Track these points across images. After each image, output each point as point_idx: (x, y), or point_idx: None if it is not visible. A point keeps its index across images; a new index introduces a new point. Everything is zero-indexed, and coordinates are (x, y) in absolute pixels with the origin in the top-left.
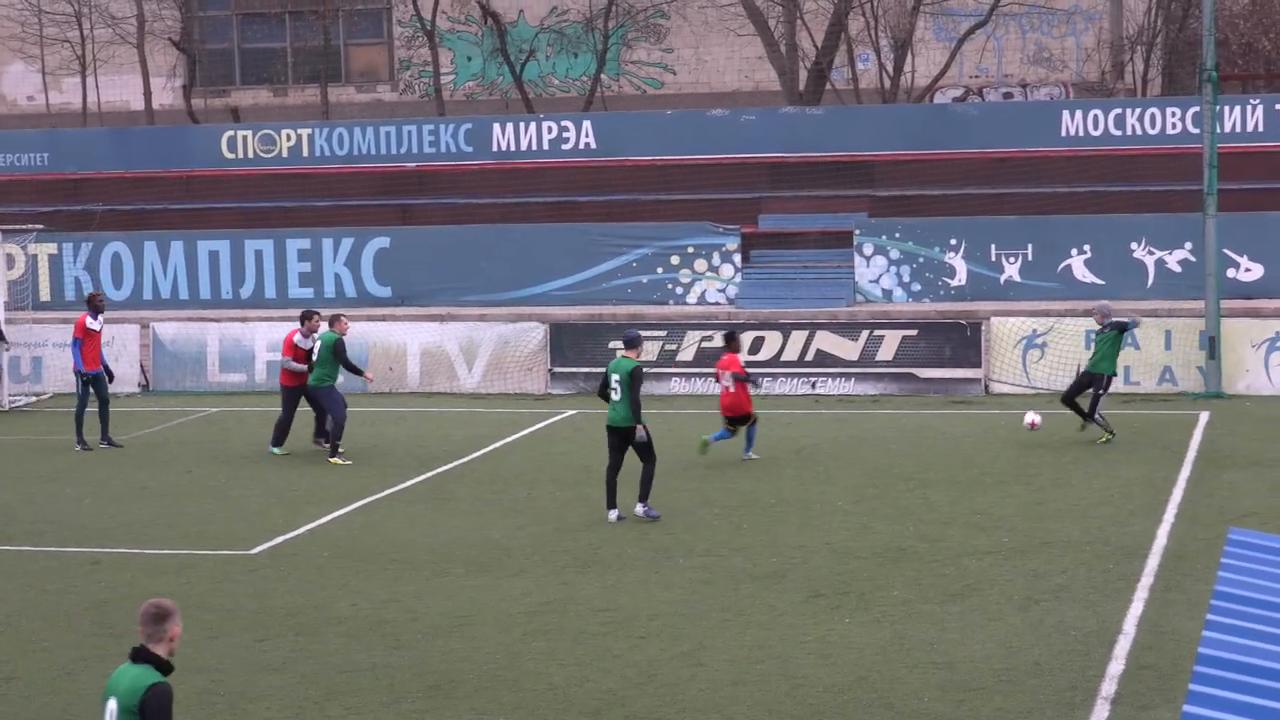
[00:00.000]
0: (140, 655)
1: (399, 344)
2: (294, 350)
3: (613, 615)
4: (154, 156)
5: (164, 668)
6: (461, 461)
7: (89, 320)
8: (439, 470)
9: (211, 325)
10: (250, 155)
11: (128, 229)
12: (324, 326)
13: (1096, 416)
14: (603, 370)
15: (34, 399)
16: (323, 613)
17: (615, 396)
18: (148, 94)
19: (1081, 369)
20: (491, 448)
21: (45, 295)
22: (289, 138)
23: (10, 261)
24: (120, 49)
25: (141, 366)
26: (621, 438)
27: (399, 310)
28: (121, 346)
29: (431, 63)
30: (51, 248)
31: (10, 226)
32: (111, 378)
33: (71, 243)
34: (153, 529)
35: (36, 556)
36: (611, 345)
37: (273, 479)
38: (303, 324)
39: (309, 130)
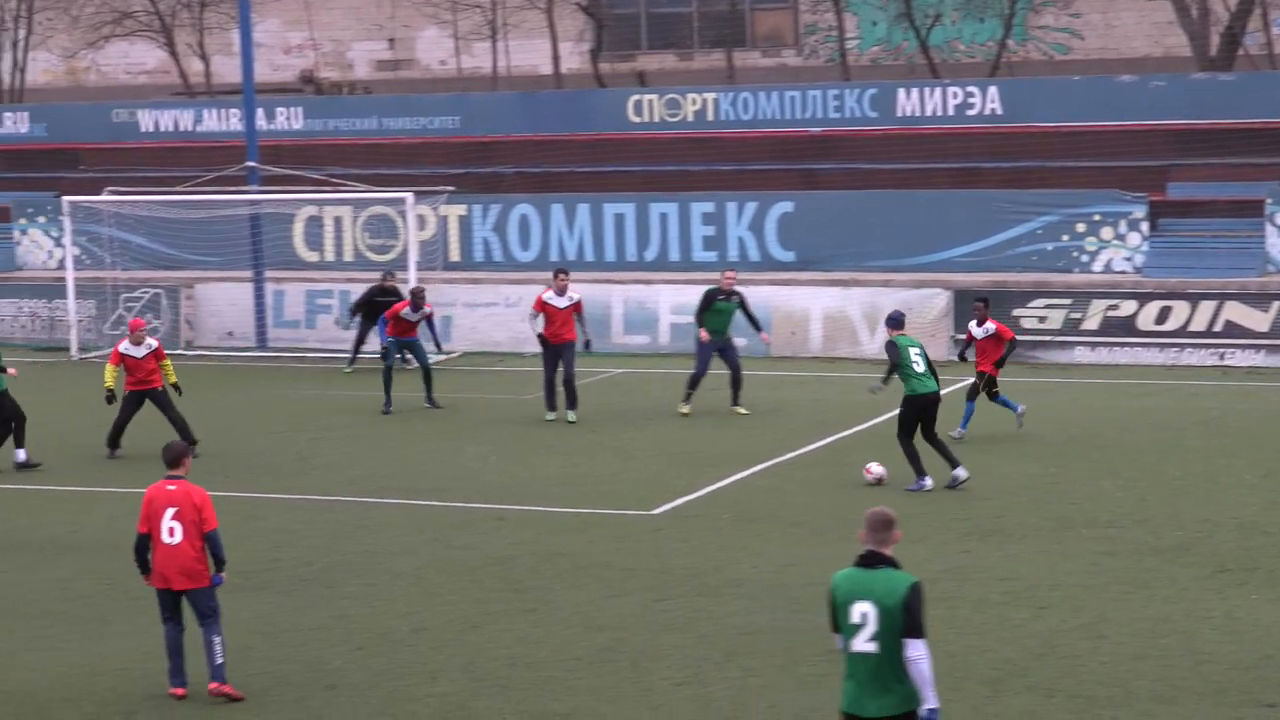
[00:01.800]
0: (875, 559)
1: (801, 309)
2: (545, 306)
3: (1013, 585)
4: (561, 120)
5: (899, 567)
6: (863, 427)
7: (405, 310)
8: (840, 435)
9: (616, 287)
10: (655, 119)
11: (535, 191)
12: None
13: None
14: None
15: (443, 358)
16: (723, 574)
17: (920, 369)
18: (555, 58)
19: None
20: (892, 414)
21: (455, 256)
22: (694, 102)
23: (422, 223)
24: (530, 14)
25: None
26: (935, 406)
27: (802, 275)
28: (528, 308)
29: (836, 27)
30: (461, 209)
31: (422, 188)
32: (439, 349)
33: (480, 204)
34: (555, 488)
35: (444, 511)
36: (1015, 313)
37: (675, 440)
38: (555, 279)
39: (714, 94)
